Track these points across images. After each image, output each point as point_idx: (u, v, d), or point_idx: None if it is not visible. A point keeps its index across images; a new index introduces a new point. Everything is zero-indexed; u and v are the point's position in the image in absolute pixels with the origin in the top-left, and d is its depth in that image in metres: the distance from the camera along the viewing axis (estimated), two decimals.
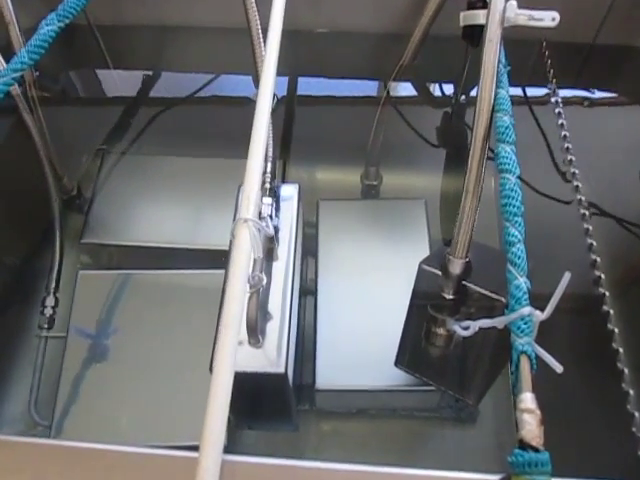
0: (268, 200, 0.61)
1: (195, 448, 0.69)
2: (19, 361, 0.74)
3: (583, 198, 0.60)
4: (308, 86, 0.91)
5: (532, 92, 0.78)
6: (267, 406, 0.62)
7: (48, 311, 0.74)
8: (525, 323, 0.40)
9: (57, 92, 0.91)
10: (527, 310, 0.40)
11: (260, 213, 0.59)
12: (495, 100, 0.52)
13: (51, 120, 0.80)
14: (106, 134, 0.90)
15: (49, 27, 0.61)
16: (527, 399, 0.37)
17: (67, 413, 0.68)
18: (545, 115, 0.75)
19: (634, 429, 0.52)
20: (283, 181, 0.86)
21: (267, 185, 0.62)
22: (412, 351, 0.62)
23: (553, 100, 0.68)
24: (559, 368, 0.38)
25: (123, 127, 0.92)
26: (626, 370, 0.55)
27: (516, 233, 0.44)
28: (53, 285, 0.76)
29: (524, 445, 0.35)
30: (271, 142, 0.66)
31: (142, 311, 0.77)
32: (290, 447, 0.76)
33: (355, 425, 0.79)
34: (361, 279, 0.78)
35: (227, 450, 0.71)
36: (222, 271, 0.59)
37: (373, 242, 0.81)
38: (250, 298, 0.54)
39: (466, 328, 0.49)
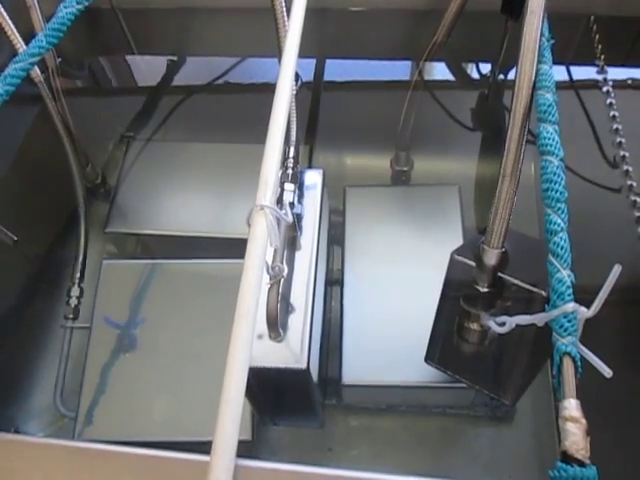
0: (290, 186, 0.58)
1: None
2: (45, 352, 0.74)
3: (634, 184, 0.55)
4: (337, 67, 0.87)
5: (579, 70, 0.72)
6: (290, 402, 0.59)
7: (73, 301, 0.74)
8: (569, 321, 0.36)
9: (81, 79, 0.90)
10: (571, 306, 0.36)
11: (282, 200, 0.57)
12: (537, 76, 0.48)
13: (75, 107, 0.78)
14: (131, 121, 0.89)
15: (67, 10, 0.60)
16: (571, 406, 0.33)
17: (92, 405, 0.68)
18: (592, 95, 0.69)
19: None
20: (309, 167, 0.82)
21: (290, 171, 0.59)
22: (443, 347, 0.58)
23: (601, 78, 0.63)
24: (608, 372, 0.34)
25: (148, 114, 0.90)
26: None
27: (559, 221, 0.40)
28: (78, 275, 0.75)
29: (568, 458, 0.32)
30: (294, 126, 0.62)
31: (167, 301, 0.75)
32: (317, 443, 0.74)
33: (385, 421, 0.76)
34: (390, 269, 0.74)
35: (252, 445, 0.70)
36: None
37: (403, 230, 0.77)
38: (270, 289, 0.51)
39: (502, 324, 0.45)
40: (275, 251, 0.54)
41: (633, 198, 0.55)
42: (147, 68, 0.94)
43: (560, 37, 0.82)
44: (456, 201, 0.78)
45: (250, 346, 0.38)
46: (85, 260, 0.77)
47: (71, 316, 0.74)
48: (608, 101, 0.62)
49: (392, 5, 0.78)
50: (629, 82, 0.71)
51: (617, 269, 0.37)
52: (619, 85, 0.66)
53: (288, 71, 0.51)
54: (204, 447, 0.70)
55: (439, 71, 0.80)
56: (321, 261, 0.72)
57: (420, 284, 0.73)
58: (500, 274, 0.51)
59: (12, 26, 0.64)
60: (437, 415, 0.75)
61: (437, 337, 0.58)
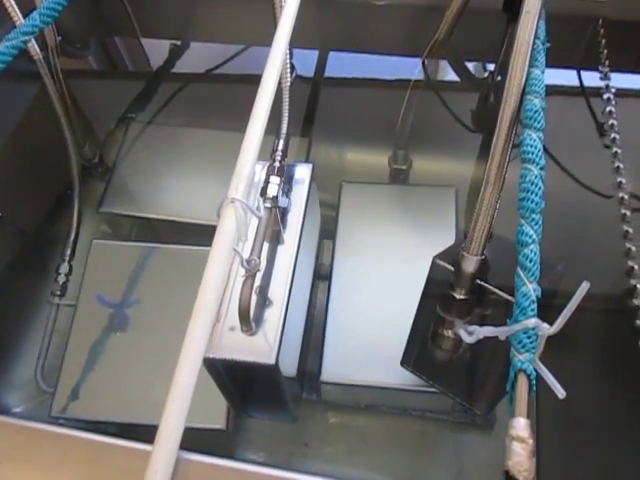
0: (276, 180, 0.57)
1: (198, 430, 0.68)
2: (31, 327, 0.75)
3: (626, 196, 0.53)
4: (338, 61, 0.86)
5: (584, 75, 0.70)
6: (260, 396, 0.59)
7: (61, 278, 0.74)
8: (528, 337, 0.35)
9: (83, 59, 0.90)
10: (532, 322, 0.35)
11: (265, 193, 0.56)
12: (527, 80, 0.47)
13: (77, 88, 0.79)
14: (133, 103, 0.89)
15: None
16: (520, 425, 0.32)
17: (72, 382, 0.68)
18: (597, 101, 0.67)
19: None
20: (306, 160, 0.82)
21: (277, 164, 0.58)
22: (419, 351, 0.57)
23: (603, 84, 0.61)
24: (562, 393, 0.33)
25: (151, 97, 0.90)
26: None
27: (531, 232, 0.39)
28: (68, 253, 0.76)
29: (510, 478, 0.31)
30: (286, 119, 0.62)
31: (154, 284, 0.76)
32: (295, 437, 0.74)
33: (363, 421, 0.76)
34: (379, 268, 0.74)
35: (227, 434, 0.70)
36: None
37: (396, 230, 0.76)
38: (244, 283, 0.51)
39: (471, 333, 0.44)
40: (253, 244, 0.53)
41: (623, 211, 0.53)
42: (150, 51, 0.94)
43: (569, 40, 0.80)
44: (452, 203, 0.77)
45: (205, 340, 0.38)
46: (77, 238, 0.77)
47: (58, 293, 0.74)
48: (608, 108, 0.60)
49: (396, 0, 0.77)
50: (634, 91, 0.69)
51: (585, 286, 0.36)
52: (623, 93, 0.64)
53: (274, 64, 0.50)
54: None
55: (441, 68, 0.78)
56: (306, 256, 0.71)
57: (408, 285, 0.71)
58: (479, 281, 0.50)
59: (12, 1, 0.64)
60: (416, 418, 0.75)
61: (414, 341, 0.58)
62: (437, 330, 0.52)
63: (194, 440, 0.70)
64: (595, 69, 0.70)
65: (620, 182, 0.54)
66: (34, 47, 0.69)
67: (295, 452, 0.73)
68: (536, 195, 0.40)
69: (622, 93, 0.62)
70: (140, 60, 1.03)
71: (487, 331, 0.41)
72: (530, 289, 0.36)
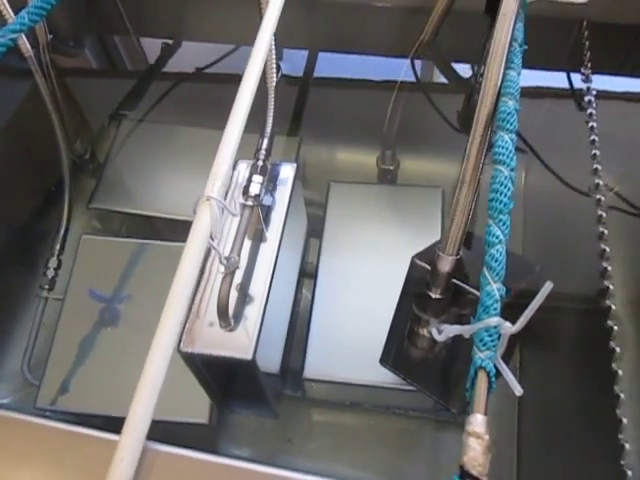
0: (258, 178, 0.58)
1: (182, 424, 0.69)
2: (19, 320, 0.76)
3: (602, 197, 0.54)
4: (329, 62, 0.87)
5: (561, 78, 0.70)
6: (240, 391, 0.60)
7: (50, 273, 0.75)
8: (490, 335, 0.35)
9: (76, 57, 0.91)
10: (494, 321, 0.36)
11: (247, 191, 0.57)
12: (502, 82, 0.47)
13: (71, 84, 0.80)
14: (126, 100, 0.90)
15: None
16: (477, 422, 0.33)
17: (57, 374, 0.69)
18: (579, 104, 0.68)
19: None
20: (296, 159, 0.82)
21: (260, 163, 0.59)
22: (398, 350, 0.58)
23: (585, 87, 0.61)
24: (519, 390, 0.34)
25: (144, 94, 0.91)
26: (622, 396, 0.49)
27: (498, 233, 0.39)
28: (57, 247, 0.77)
29: (464, 473, 0.32)
30: (271, 119, 0.62)
31: (142, 280, 0.76)
32: (279, 433, 0.75)
33: (347, 418, 0.77)
34: (365, 267, 0.74)
35: (211, 429, 0.71)
36: None
37: (382, 229, 0.77)
38: (223, 279, 0.51)
39: (442, 332, 0.45)
40: (234, 242, 0.54)
41: (599, 212, 0.54)
42: (144, 49, 0.95)
43: (555, 42, 0.81)
44: (438, 203, 0.77)
45: (175, 336, 0.39)
46: (67, 233, 0.78)
47: (47, 287, 0.75)
48: (589, 111, 0.60)
49: (384, 2, 0.78)
50: (622, 92, 0.70)
51: (548, 286, 0.37)
52: (604, 95, 0.64)
53: (255, 65, 0.51)
54: (167, 426, 0.71)
55: (427, 69, 0.79)
56: (290, 254, 0.72)
57: (393, 284, 0.72)
58: (454, 280, 0.50)
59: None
60: (400, 416, 0.75)
61: (392, 340, 0.58)
62: (413, 329, 0.53)
63: (178, 434, 0.71)
64: (574, 71, 0.71)
65: (598, 184, 0.55)
66: (25, 45, 0.69)
67: (278, 447, 0.74)
68: (505, 196, 0.40)
69: (605, 95, 0.63)
70: (138, 58, 1.04)
71: (454, 329, 0.41)
72: (494, 288, 0.37)
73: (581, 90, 0.62)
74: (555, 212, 0.81)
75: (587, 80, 0.61)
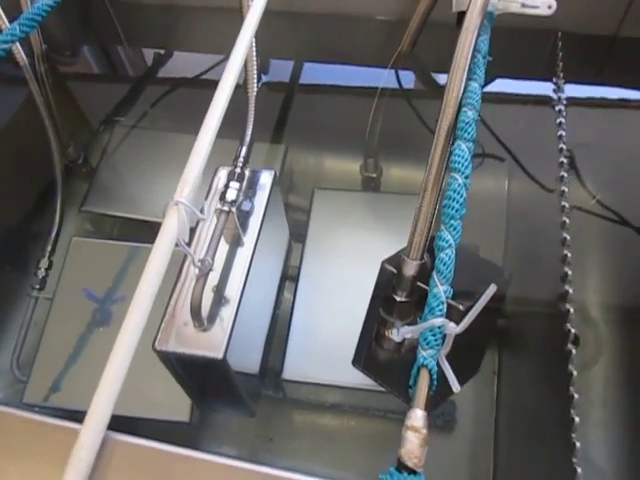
0: (235, 185, 0.60)
1: (162, 422, 0.70)
2: (10, 319, 0.78)
3: (567, 205, 0.55)
4: (313, 71, 0.89)
5: (542, 87, 0.72)
6: (216, 389, 0.62)
7: (41, 273, 0.78)
8: (434, 335, 0.37)
9: (72, 65, 0.94)
10: (439, 321, 0.37)
11: (224, 197, 0.59)
12: (464, 93, 0.49)
13: (66, 89, 0.83)
14: (120, 106, 0.93)
15: (44, 1, 0.63)
16: (416, 416, 0.35)
17: (44, 371, 0.71)
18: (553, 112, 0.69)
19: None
20: (282, 166, 0.84)
21: (237, 170, 0.61)
22: (367, 352, 0.59)
23: (556, 97, 0.63)
24: (457, 388, 0.36)
25: (138, 101, 0.94)
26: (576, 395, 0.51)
27: (448, 238, 0.41)
28: (49, 248, 0.79)
29: (400, 465, 0.33)
30: (250, 127, 0.64)
31: (130, 282, 0.79)
32: (261, 432, 0.77)
33: (328, 419, 0.78)
34: (346, 272, 0.76)
35: (193, 428, 0.73)
36: None
37: (364, 236, 0.79)
38: (197, 281, 0.54)
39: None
40: (209, 246, 0.56)
41: (563, 219, 0.55)
42: (137, 59, 0.98)
43: (531, 52, 0.82)
44: None
45: (139, 334, 0.41)
46: (58, 235, 0.81)
47: (37, 286, 0.78)
48: (558, 120, 0.62)
49: (362, 13, 0.80)
50: (594, 100, 0.71)
51: (492, 289, 0.39)
52: (584, 100, 0.66)
53: (232, 71, 0.53)
54: (148, 425, 0.73)
55: (406, 79, 0.80)
56: (270, 257, 0.74)
57: (371, 289, 0.74)
58: (420, 284, 0.52)
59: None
60: (379, 418, 0.77)
61: (363, 342, 0.60)
62: (380, 331, 0.54)
63: (160, 433, 0.73)
64: (549, 80, 0.72)
65: (563, 191, 0.56)
66: (20, 54, 0.72)
67: (259, 446, 0.76)
68: (457, 202, 0.42)
69: (578, 102, 0.64)
70: (138, 64, 1.07)
71: (406, 330, 0.43)
72: (441, 291, 0.39)
73: (552, 98, 0.63)
74: (537, 219, 0.83)
75: (559, 90, 0.63)
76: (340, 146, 0.88)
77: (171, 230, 0.44)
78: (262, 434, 0.77)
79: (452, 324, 0.37)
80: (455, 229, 0.41)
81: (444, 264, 0.40)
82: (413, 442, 0.33)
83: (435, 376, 0.36)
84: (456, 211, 0.42)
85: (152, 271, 0.42)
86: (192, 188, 0.46)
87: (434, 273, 0.40)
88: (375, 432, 0.77)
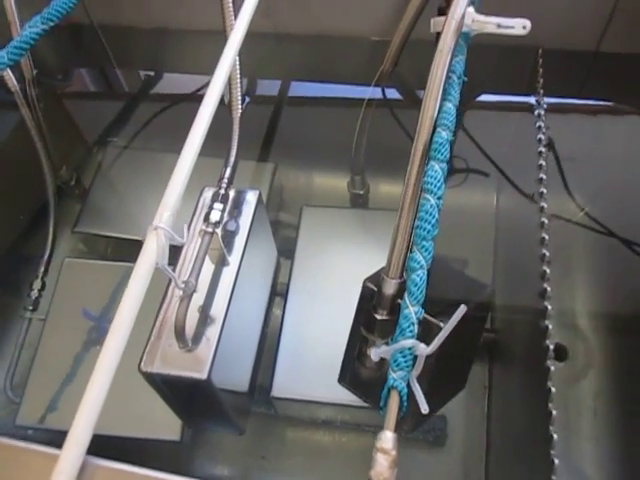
0: (219, 206, 0.61)
1: (154, 441, 0.71)
2: (4, 340, 0.79)
3: (546, 221, 0.56)
4: (299, 90, 0.91)
5: (525, 102, 0.73)
6: (203, 409, 0.62)
7: (34, 294, 0.79)
8: (404, 356, 0.38)
9: (64, 89, 0.96)
10: (409, 343, 0.38)
11: (208, 218, 0.60)
12: (439, 113, 0.50)
13: (57, 113, 0.84)
14: (113, 127, 0.94)
15: (32, 29, 0.64)
16: (386, 438, 0.35)
17: (37, 392, 0.72)
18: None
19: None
20: (271, 185, 0.85)
21: (221, 191, 0.62)
22: (352, 369, 0.60)
23: (536, 113, 0.64)
24: (425, 409, 0.36)
25: (128, 122, 0.95)
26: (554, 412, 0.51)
27: (420, 259, 0.42)
28: (42, 270, 0.81)
29: None
30: (234, 148, 0.66)
31: None
32: (253, 450, 0.77)
33: (320, 435, 0.78)
34: (333, 289, 0.77)
35: (185, 446, 0.73)
36: None
37: (352, 252, 0.79)
38: (180, 303, 0.54)
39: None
40: (192, 267, 0.57)
41: (542, 235, 0.55)
42: (128, 81, 1.00)
43: (515, 69, 0.83)
44: None
45: (118, 358, 0.41)
46: (51, 256, 0.82)
47: (30, 307, 0.79)
48: (538, 136, 0.62)
49: (348, 33, 0.81)
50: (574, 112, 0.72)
51: (462, 309, 0.39)
52: (564, 113, 0.66)
53: (214, 93, 0.54)
54: (140, 444, 0.74)
55: (391, 97, 0.82)
56: (256, 276, 0.74)
57: None
58: (401, 302, 0.52)
59: None
60: (371, 434, 0.77)
61: (348, 359, 0.60)
62: (362, 349, 0.55)
63: (152, 453, 0.73)
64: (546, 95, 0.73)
65: (542, 207, 0.57)
66: (11, 80, 0.74)
67: (251, 464, 0.76)
68: (429, 224, 0.43)
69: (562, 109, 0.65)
70: (135, 83, 1.08)
71: (380, 351, 0.43)
72: (412, 312, 0.39)
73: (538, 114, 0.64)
74: (526, 232, 0.83)
75: (539, 106, 0.63)
76: (330, 162, 0.89)
77: (150, 255, 0.45)
78: (254, 452, 0.77)
79: (422, 345, 0.38)
80: (427, 250, 0.42)
81: (415, 285, 0.40)
82: (382, 464, 0.34)
83: (405, 397, 0.37)
84: (428, 232, 0.43)
85: (131, 296, 0.43)
86: (172, 212, 0.47)
87: (405, 294, 0.41)
88: (367, 448, 0.76)
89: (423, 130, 0.50)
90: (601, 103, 0.75)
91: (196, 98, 0.96)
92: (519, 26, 0.56)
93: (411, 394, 0.58)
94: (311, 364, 0.72)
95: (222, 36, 0.70)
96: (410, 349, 0.38)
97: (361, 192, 0.82)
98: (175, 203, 0.48)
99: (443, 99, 0.51)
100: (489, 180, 0.88)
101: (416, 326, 0.39)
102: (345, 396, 0.69)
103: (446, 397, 0.62)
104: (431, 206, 0.44)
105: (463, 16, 0.52)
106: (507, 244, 0.85)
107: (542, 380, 0.70)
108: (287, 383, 0.71)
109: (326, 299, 0.76)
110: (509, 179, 0.83)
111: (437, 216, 0.44)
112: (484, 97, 0.87)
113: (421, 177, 0.49)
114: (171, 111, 0.96)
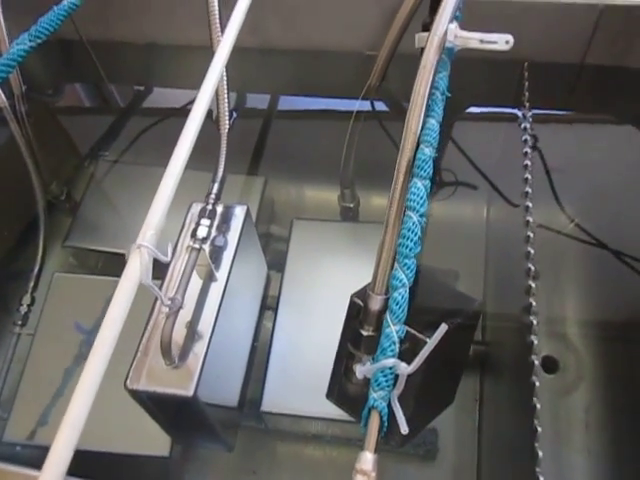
0: (206, 222, 0.61)
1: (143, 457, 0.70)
2: None
3: (531, 234, 0.56)
4: (291, 104, 0.91)
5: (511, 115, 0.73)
6: (191, 426, 0.62)
7: (23, 309, 0.79)
8: (384, 376, 0.38)
9: (54, 104, 0.96)
10: (390, 362, 0.38)
11: (195, 234, 0.60)
12: (422, 130, 0.50)
13: (47, 128, 0.84)
14: (102, 142, 0.94)
15: (19, 47, 0.65)
16: (366, 459, 0.35)
17: (26, 408, 0.72)
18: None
19: None
20: (262, 199, 0.86)
21: (209, 207, 0.62)
22: (340, 385, 0.60)
23: (522, 126, 0.64)
24: (404, 429, 0.36)
25: (119, 137, 0.95)
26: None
27: (402, 277, 0.42)
28: (31, 284, 0.81)
29: None
30: (222, 164, 0.66)
31: None
32: (243, 465, 0.77)
33: (310, 450, 0.78)
34: (324, 302, 0.77)
35: (174, 462, 0.73)
36: None
37: (343, 266, 0.79)
38: (167, 320, 0.54)
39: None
40: (179, 283, 0.57)
41: (528, 249, 0.55)
42: (118, 96, 1.00)
43: (501, 82, 0.84)
44: None
45: (100, 376, 0.41)
46: (41, 271, 0.82)
47: (19, 322, 0.79)
48: (524, 150, 0.63)
49: (336, 48, 0.82)
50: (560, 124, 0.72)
51: (442, 329, 0.39)
52: (550, 125, 0.67)
53: (199, 109, 0.54)
54: (130, 460, 0.73)
55: (378, 111, 0.82)
56: (245, 291, 0.74)
57: None
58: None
59: None
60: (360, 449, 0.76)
61: (336, 375, 0.60)
62: (348, 365, 0.55)
63: (141, 468, 0.73)
64: (532, 109, 0.74)
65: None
66: (0, 96, 0.74)
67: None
68: (411, 241, 0.43)
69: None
70: (129, 97, 1.09)
71: (363, 370, 0.43)
72: (393, 331, 0.39)
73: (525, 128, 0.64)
74: (518, 244, 0.83)
75: (525, 119, 0.64)
76: (321, 175, 0.90)
77: (133, 274, 0.45)
78: (245, 467, 0.76)
79: (404, 364, 0.38)
80: (409, 268, 0.42)
81: (397, 304, 0.40)
82: None
83: (386, 417, 0.37)
84: (410, 250, 0.43)
85: (113, 315, 0.43)
86: (155, 231, 0.47)
87: (387, 313, 0.41)
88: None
89: (407, 147, 0.50)
90: (588, 115, 0.76)
91: (186, 112, 0.96)
92: (502, 41, 0.56)
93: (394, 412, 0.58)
94: (302, 378, 0.72)
95: (211, 51, 0.70)
96: (391, 368, 0.38)
97: (351, 205, 0.82)
98: (159, 220, 0.48)
99: (426, 115, 0.51)
100: (479, 192, 0.88)
101: (397, 345, 0.39)
102: (335, 411, 0.69)
103: (435, 412, 0.61)
104: (413, 223, 0.44)
105: (446, 32, 0.52)
106: (498, 256, 0.85)
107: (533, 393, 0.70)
108: (277, 397, 0.70)
109: (317, 312, 0.76)
110: (499, 190, 0.83)
111: (419, 233, 0.44)
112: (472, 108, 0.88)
113: (405, 194, 0.49)
114: (162, 125, 0.97)
